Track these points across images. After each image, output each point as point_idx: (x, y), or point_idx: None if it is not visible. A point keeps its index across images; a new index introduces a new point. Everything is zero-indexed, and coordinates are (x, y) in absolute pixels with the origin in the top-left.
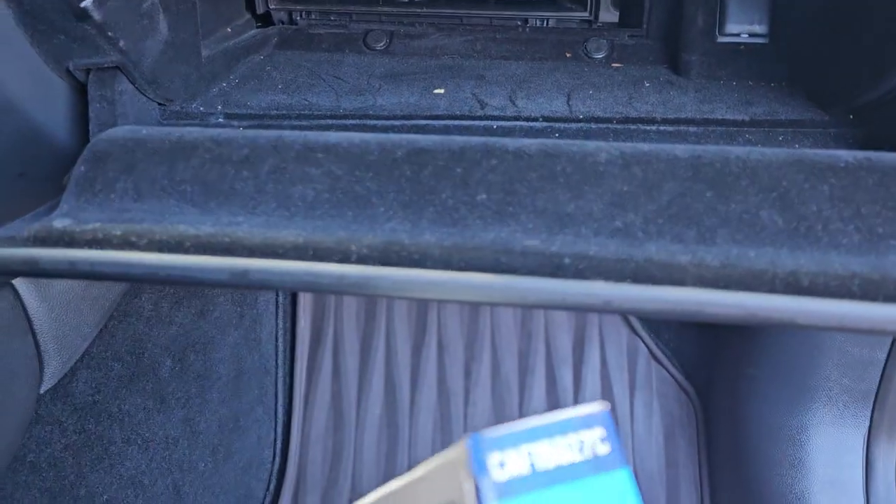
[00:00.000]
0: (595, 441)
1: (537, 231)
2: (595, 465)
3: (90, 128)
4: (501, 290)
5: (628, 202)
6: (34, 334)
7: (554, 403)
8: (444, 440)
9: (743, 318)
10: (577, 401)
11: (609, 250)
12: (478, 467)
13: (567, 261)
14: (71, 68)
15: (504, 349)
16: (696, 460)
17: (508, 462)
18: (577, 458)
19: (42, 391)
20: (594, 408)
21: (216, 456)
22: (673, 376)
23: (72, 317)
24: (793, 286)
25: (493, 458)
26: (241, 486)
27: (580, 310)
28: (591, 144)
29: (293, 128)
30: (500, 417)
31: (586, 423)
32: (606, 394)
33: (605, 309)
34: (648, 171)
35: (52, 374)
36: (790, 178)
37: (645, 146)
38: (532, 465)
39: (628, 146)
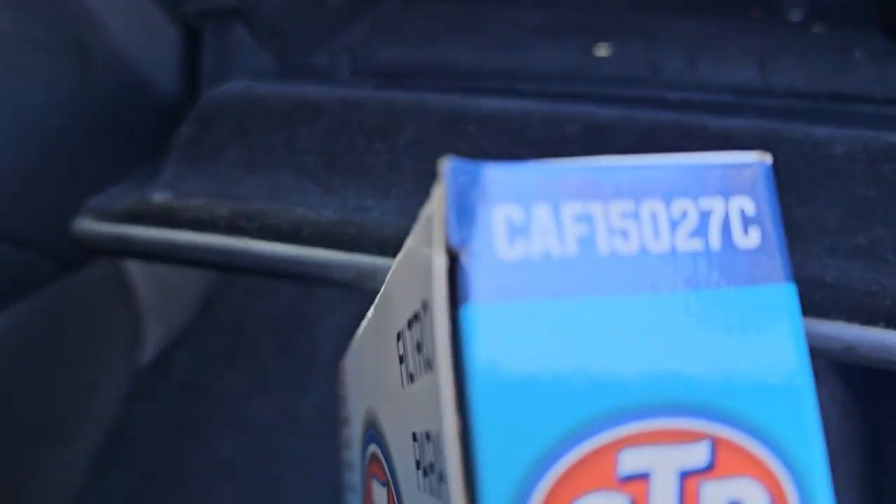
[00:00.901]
0: (733, 218)
1: None
2: (726, 267)
3: (203, 81)
4: None
5: (875, 212)
6: (135, 306)
7: None
8: None
9: None
10: None
11: (852, 277)
12: (458, 227)
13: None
14: (186, 12)
15: None
16: (858, 492)
17: (536, 227)
18: (687, 245)
19: (141, 366)
20: (741, 158)
21: (317, 444)
22: (836, 394)
23: (175, 287)
24: None
25: (500, 213)
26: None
27: (813, 356)
28: (820, 131)
29: (428, 88)
30: None
31: (720, 181)
32: None
33: (845, 356)
34: None
35: (151, 349)
36: None
37: (892, 137)
38: (587, 243)
39: (870, 136)
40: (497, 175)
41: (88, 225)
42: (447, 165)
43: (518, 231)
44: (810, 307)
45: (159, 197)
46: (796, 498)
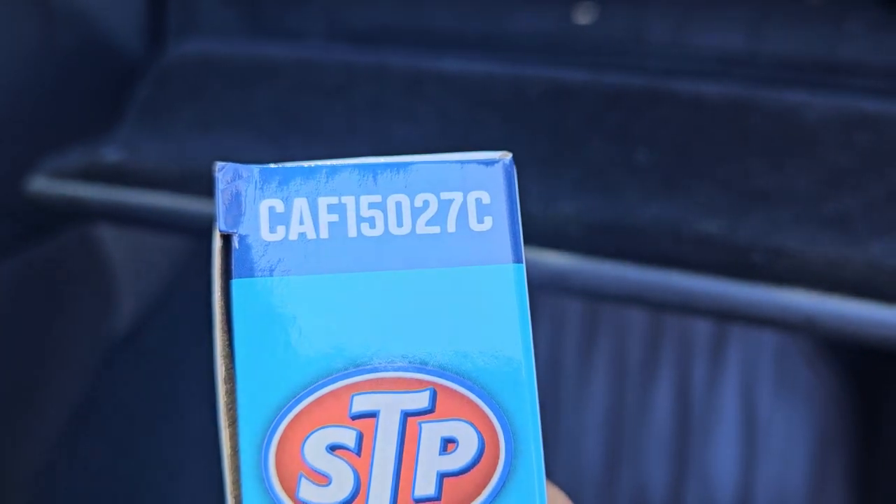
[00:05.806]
0: (470, 208)
1: (717, 211)
2: (460, 249)
3: (166, 42)
4: (662, 290)
5: (846, 181)
6: (107, 276)
7: (683, 402)
8: (547, 432)
9: None
10: (710, 401)
11: (817, 247)
12: (225, 218)
13: (757, 257)
14: None
15: (629, 331)
16: (853, 481)
17: (294, 216)
18: (426, 230)
19: (113, 337)
20: (484, 156)
21: None
22: (832, 377)
23: (148, 258)
24: None
25: (264, 206)
26: None
27: (771, 325)
28: (794, 98)
29: (396, 49)
30: (616, 415)
31: (462, 176)
32: (746, 392)
33: (805, 327)
34: (877, 140)
35: (124, 320)
36: None
37: (869, 105)
38: (338, 228)
39: (844, 104)
40: (262, 175)
41: (42, 184)
42: (217, 167)
43: (279, 220)
44: (769, 275)
45: (112, 156)
46: (502, 438)
